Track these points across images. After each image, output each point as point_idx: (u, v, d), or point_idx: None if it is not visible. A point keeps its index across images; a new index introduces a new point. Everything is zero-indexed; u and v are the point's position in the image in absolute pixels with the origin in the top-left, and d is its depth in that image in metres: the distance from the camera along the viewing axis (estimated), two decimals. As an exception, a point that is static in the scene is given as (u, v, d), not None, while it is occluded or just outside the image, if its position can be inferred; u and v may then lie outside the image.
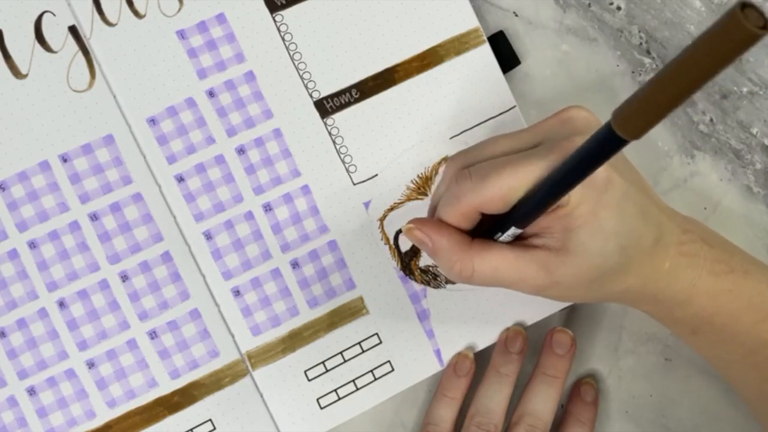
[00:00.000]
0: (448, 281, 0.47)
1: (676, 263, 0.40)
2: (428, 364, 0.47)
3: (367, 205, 0.47)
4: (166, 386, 0.45)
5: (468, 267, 0.39)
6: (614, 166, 0.38)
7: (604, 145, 0.31)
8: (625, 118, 0.29)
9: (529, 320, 0.47)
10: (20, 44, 0.44)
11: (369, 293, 0.46)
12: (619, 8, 0.49)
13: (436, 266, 0.47)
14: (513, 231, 0.39)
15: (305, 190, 0.46)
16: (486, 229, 0.40)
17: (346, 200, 0.46)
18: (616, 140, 0.30)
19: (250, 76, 0.46)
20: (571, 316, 0.48)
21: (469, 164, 0.40)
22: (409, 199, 0.47)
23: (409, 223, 0.41)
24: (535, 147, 0.39)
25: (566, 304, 0.47)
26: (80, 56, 0.45)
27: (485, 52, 0.47)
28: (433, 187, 0.47)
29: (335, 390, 0.46)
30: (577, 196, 0.37)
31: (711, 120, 0.49)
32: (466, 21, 0.47)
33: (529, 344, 0.48)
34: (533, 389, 0.46)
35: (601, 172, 0.36)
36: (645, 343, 0.49)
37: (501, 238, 0.40)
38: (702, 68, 0.26)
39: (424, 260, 0.47)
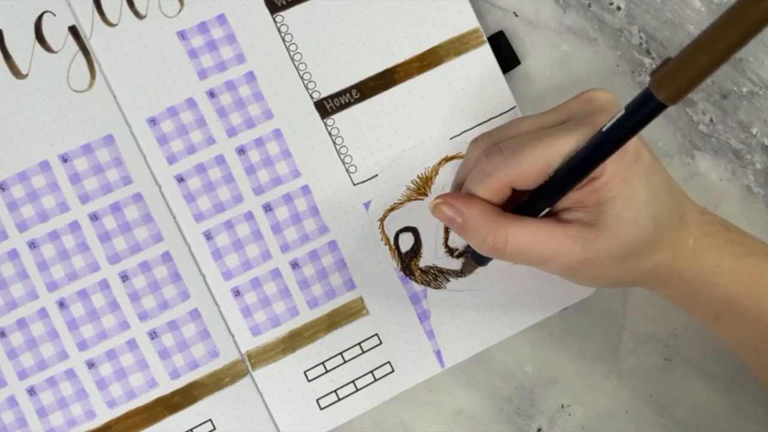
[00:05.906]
0: (448, 281, 0.47)
1: (699, 242, 0.40)
2: (428, 364, 0.47)
3: (367, 205, 0.47)
4: (166, 386, 0.45)
5: (502, 238, 0.38)
6: (640, 139, 0.38)
7: (643, 110, 0.32)
8: (662, 80, 0.30)
9: (530, 321, 0.47)
10: (20, 44, 0.44)
11: (369, 294, 0.46)
12: (619, 8, 0.49)
13: (436, 267, 0.47)
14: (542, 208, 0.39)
15: (305, 190, 0.46)
16: (513, 209, 0.40)
17: (346, 200, 0.46)
18: (654, 105, 0.30)
19: (250, 77, 0.46)
20: (571, 316, 0.48)
21: (494, 144, 0.40)
22: (409, 200, 0.47)
23: (436, 199, 0.40)
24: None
25: (568, 303, 0.47)
26: (80, 56, 0.45)
27: (485, 52, 0.47)
28: (434, 188, 0.47)
29: (335, 391, 0.46)
30: (611, 167, 0.37)
31: (711, 120, 0.49)
32: (466, 21, 0.47)
33: (530, 348, 0.48)
34: None
35: (631, 144, 0.36)
36: (645, 343, 0.49)
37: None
38: (743, 27, 0.26)
39: (425, 260, 0.47)
